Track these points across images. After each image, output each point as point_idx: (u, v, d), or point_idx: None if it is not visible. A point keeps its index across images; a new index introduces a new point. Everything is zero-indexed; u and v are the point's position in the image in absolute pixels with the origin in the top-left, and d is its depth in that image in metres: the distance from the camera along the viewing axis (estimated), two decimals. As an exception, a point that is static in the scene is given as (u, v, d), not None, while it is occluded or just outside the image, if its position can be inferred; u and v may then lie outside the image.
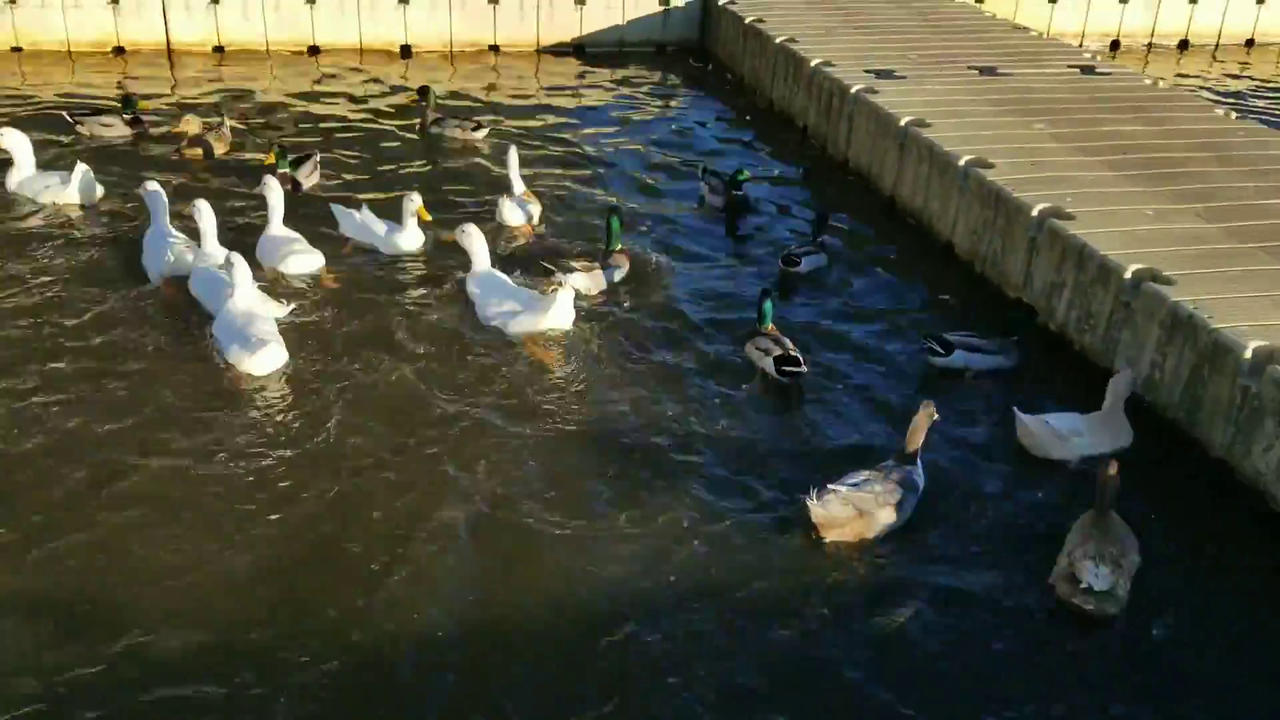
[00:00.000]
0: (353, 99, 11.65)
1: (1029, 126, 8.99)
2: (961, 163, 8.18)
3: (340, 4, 13.01)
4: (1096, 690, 4.52)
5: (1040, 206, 7.32)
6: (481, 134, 10.46)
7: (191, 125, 9.95)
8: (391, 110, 11.33)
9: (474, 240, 7.41)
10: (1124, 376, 6.06)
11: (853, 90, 9.95)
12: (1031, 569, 5.11)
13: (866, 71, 10.41)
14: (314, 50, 13.11)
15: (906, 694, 4.43)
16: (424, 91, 10.84)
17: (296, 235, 7.94)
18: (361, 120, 11.05)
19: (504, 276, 7.44)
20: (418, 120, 10.79)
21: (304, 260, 7.76)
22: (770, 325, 6.90)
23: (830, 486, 5.29)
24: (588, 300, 7.47)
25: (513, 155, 8.75)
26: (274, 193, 7.94)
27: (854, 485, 5.33)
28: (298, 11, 12.94)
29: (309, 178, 9.20)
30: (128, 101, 10.37)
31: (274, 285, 7.46)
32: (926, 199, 8.71)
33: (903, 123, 9.05)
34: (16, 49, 12.53)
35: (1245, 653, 4.74)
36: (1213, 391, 5.83)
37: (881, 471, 5.45)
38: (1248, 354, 5.63)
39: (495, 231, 8.37)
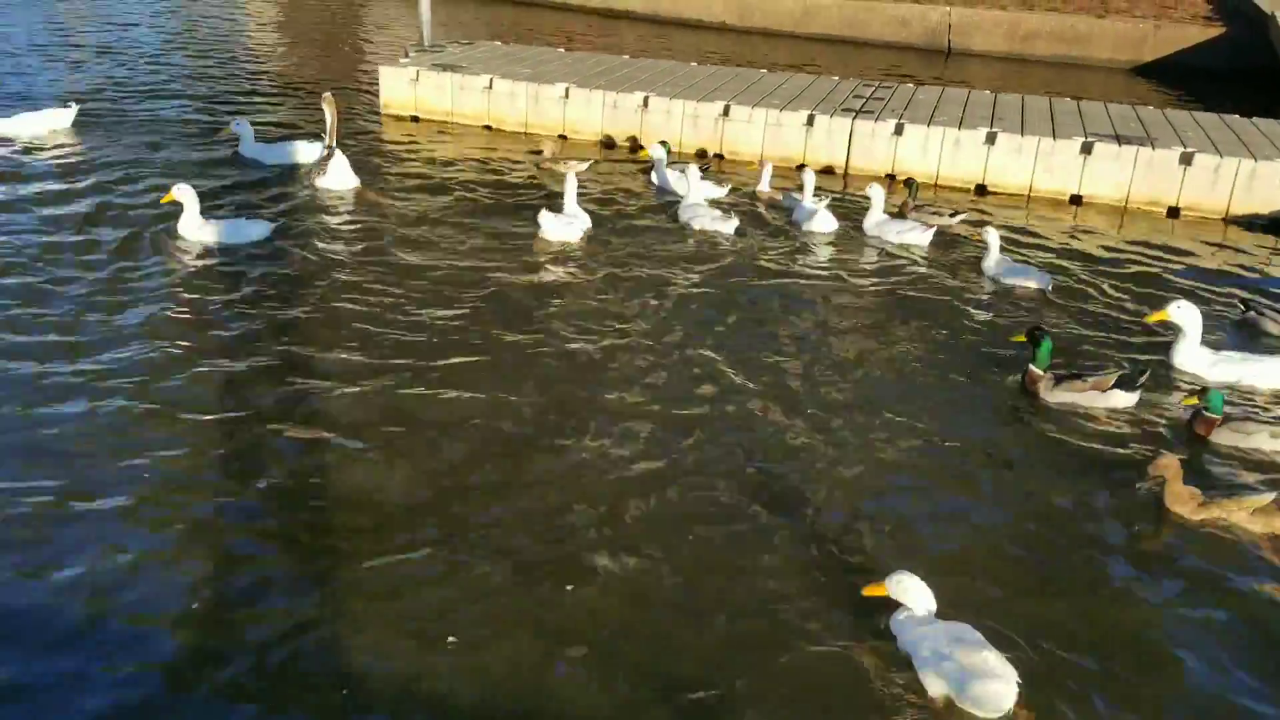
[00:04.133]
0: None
1: None
2: None
3: (1019, 147, 12.99)
4: None
5: None
6: (957, 219, 11.74)
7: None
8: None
9: (337, 161, 12.18)
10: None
11: None
12: None
13: None
14: (981, 190, 13.22)
15: None
16: (909, 183, 12.33)
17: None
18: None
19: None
20: (899, 204, 12.07)
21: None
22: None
23: None
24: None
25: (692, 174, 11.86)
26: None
27: None
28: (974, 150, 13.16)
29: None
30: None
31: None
32: None
33: None
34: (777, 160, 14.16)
35: None
36: None
37: None
38: None
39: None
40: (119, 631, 5.30)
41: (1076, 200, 12.91)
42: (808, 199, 11.74)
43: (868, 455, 7.18)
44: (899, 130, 13.41)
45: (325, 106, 12.62)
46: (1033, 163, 13.01)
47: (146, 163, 12.61)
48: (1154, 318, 8.77)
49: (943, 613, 5.36)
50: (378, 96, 15.67)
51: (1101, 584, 6.04)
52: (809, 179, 11.83)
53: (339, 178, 12.21)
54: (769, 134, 13.94)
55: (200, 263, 9.91)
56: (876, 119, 13.60)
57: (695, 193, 11.77)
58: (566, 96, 14.67)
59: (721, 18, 25.02)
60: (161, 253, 10.02)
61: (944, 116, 13.82)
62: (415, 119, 15.37)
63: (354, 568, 5.84)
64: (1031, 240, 11.69)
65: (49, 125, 13.38)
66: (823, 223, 11.41)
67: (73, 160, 12.48)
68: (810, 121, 13.74)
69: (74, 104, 13.73)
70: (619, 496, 6.55)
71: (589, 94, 14.60)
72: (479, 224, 11.32)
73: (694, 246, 10.99)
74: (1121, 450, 7.41)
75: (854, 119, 13.64)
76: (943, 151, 13.32)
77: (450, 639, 5.29)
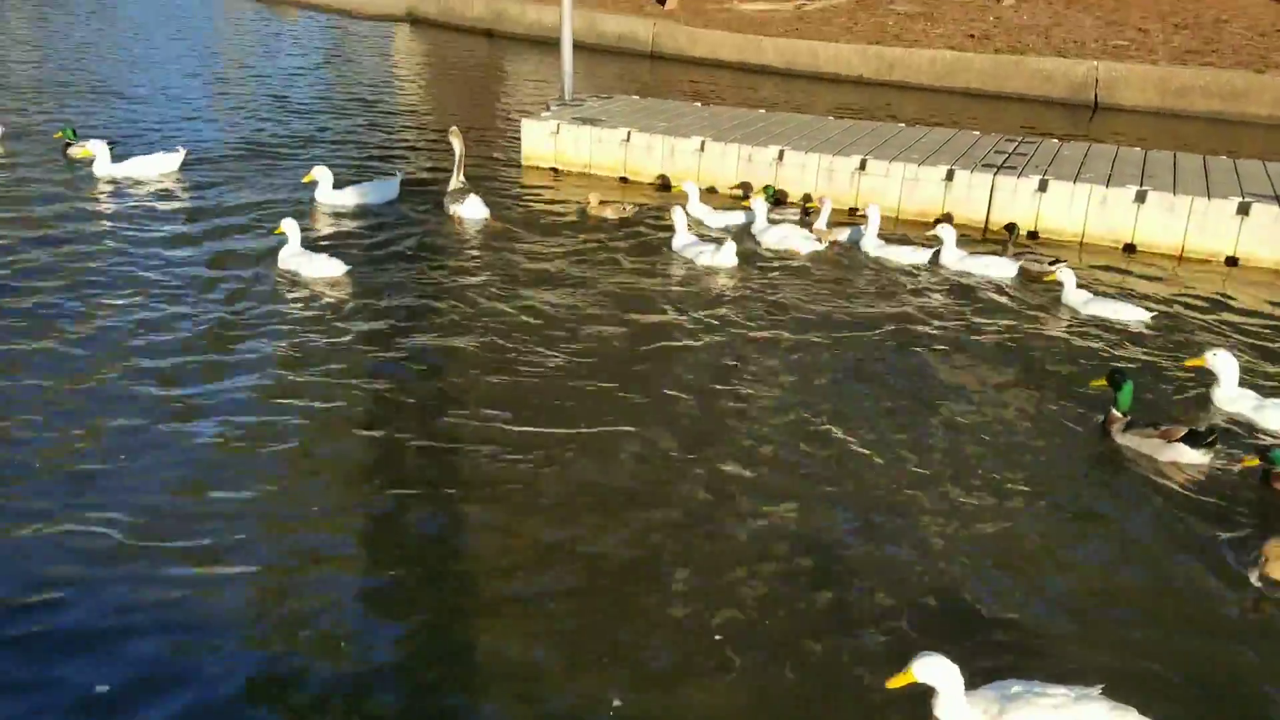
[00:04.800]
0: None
1: None
2: None
3: (1170, 206, 12.52)
4: None
5: None
6: (1058, 267, 11.23)
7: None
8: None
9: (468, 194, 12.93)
10: None
11: None
12: None
13: None
14: (1129, 249, 12.77)
15: None
16: (1010, 228, 12.45)
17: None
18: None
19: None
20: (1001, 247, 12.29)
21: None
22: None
23: None
24: None
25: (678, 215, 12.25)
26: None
27: None
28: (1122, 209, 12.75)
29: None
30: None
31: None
32: None
33: None
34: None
35: None
36: None
37: None
38: None
39: None
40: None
41: (1232, 262, 12.33)
42: (873, 232, 12.32)
43: (945, 500, 7.18)
44: (1043, 186, 13.08)
45: (453, 140, 13.33)
46: (1185, 222, 12.50)
47: (254, 202, 13.29)
48: (1191, 363, 8.87)
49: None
50: (519, 148, 16.10)
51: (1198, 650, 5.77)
52: (874, 213, 12.38)
53: (471, 209, 12.91)
54: (906, 188, 13.77)
55: (310, 290, 10.47)
56: (1019, 175, 13.31)
57: (762, 219, 12.84)
58: (702, 149, 14.80)
59: (859, 71, 24.96)
60: (269, 281, 10.63)
61: (1090, 173, 13.43)
62: (555, 170, 15.72)
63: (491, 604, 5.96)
64: (1174, 298, 11.28)
65: (159, 168, 14.23)
66: (902, 253, 12.13)
67: (180, 201, 13.24)
68: (950, 176, 13.53)
69: (181, 148, 14.62)
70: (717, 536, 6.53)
71: (724, 147, 14.71)
72: (606, 258, 11.86)
73: (770, 269, 11.80)
74: (1202, 501, 7.27)
75: (995, 174, 13.38)
76: (1089, 209, 12.93)
77: (616, 702, 5.29)
